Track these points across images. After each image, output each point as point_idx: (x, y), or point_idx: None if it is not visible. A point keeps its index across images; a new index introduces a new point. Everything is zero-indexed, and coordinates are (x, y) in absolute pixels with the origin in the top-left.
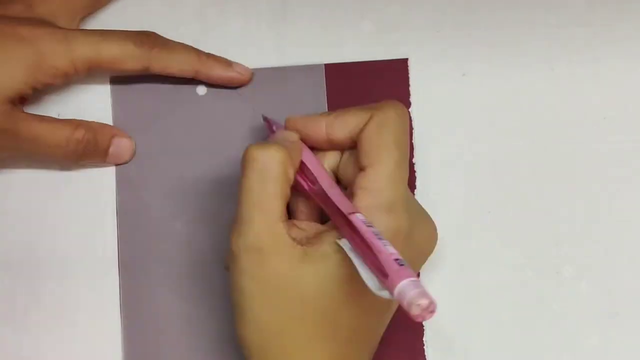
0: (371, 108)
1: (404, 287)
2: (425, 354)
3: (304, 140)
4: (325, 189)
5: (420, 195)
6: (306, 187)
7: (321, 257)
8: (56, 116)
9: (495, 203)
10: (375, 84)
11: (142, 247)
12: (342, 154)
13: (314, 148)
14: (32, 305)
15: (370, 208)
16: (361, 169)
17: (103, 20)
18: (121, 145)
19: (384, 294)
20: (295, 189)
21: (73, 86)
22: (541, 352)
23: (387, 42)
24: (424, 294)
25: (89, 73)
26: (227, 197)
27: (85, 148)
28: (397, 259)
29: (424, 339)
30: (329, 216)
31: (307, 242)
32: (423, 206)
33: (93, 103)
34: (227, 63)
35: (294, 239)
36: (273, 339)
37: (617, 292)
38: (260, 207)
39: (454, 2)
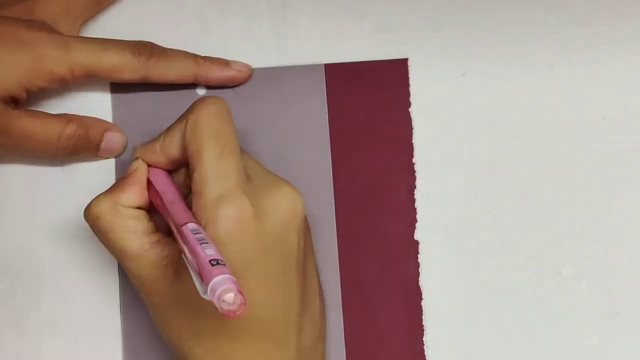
0: (186, 113)
1: (214, 284)
2: (425, 354)
3: (153, 166)
4: (166, 205)
5: (420, 195)
6: (156, 206)
7: (186, 270)
8: None
9: (495, 203)
10: (375, 84)
11: None
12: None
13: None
14: (32, 306)
15: (203, 209)
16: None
17: (103, 20)
18: (113, 140)
19: (207, 297)
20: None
21: (73, 88)
22: (541, 352)
23: (387, 42)
24: (231, 289)
25: (86, 81)
26: None
27: (76, 143)
28: (212, 260)
29: (424, 339)
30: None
31: (177, 255)
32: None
33: (93, 104)
34: (225, 63)
35: (165, 257)
36: (188, 343)
37: (617, 292)
38: (125, 251)
39: (454, 2)
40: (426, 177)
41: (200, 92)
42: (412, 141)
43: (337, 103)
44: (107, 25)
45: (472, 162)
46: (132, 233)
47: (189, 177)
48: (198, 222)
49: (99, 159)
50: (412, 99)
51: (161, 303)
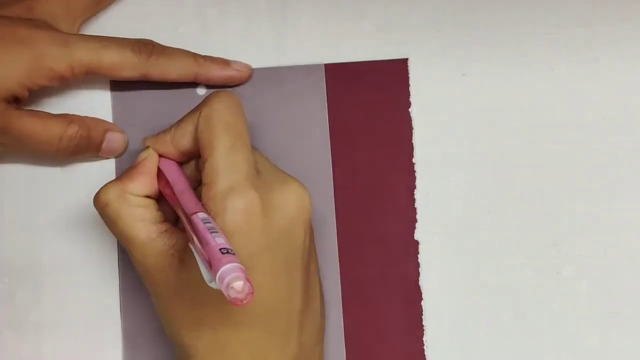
0: (199, 106)
1: (223, 272)
2: (425, 354)
3: (164, 156)
4: (176, 194)
5: (420, 195)
6: (166, 196)
7: (192, 260)
8: None
9: (495, 203)
10: (375, 84)
11: None
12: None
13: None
14: (32, 306)
15: (212, 200)
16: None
17: (103, 20)
18: (114, 140)
19: (214, 285)
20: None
21: (73, 86)
22: (541, 352)
23: (387, 42)
24: (240, 277)
25: (86, 78)
26: None
27: (78, 144)
28: (222, 249)
29: (424, 339)
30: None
31: (184, 245)
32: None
33: (93, 103)
34: (225, 62)
35: (172, 246)
36: (190, 336)
37: (617, 292)
38: (132, 239)
39: (454, 2)
40: (426, 177)
41: (201, 91)
42: (412, 141)
43: (337, 103)
44: (107, 25)
45: (472, 162)
46: (140, 221)
47: (197, 170)
48: (207, 213)
49: (100, 159)
50: (412, 99)
51: (165, 292)
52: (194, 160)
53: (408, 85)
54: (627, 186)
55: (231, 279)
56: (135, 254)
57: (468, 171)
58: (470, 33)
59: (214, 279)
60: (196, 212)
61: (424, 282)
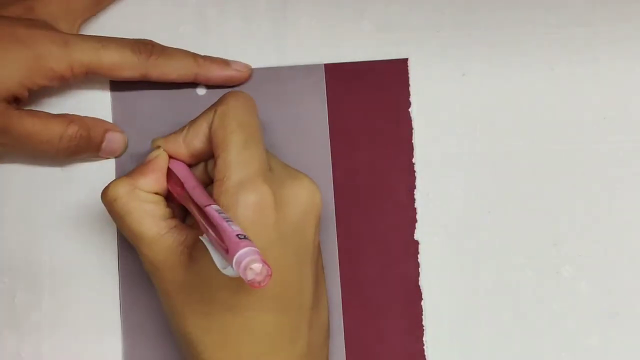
0: (214, 105)
1: (240, 255)
2: (425, 354)
3: (173, 157)
4: (188, 190)
5: (420, 195)
6: (175, 194)
7: (202, 254)
8: None
9: (495, 203)
10: (375, 84)
11: None
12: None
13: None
14: (32, 306)
15: (224, 194)
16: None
17: (103, 20)
18: (114, 140)
19: (228, 270)
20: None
21: (73, 86)
22: (541, 352)
23: (387, 42)
24: (258, 259)
25: (86, 78)
26: None
27: (78, 144)
28: (239, 234)
29: (424, 339)
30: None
31: (193, 241)
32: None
33: (93, 103)
34: (225, 62)
35: (182, 242)
36: (199, 330)
37: (617, 292)
38: (141, 235)
39: (454, 2)
40: (426, 177)
41: (201, 91)
42: (412, 141)
43: (337, 103)
44: (107, 25)
45: (472, 162)
46: (150, 217)
47: (205, 173)
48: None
49: (100, 159)
50: (412, 99)
51: (173, 288)
52: (202, 163)
53: (408, 85)
54: (627, 186)
55: (249, 260)
56: (143, 250)
57: (468, 171)
58: (470, 33)
59: (229, 264)
60: (210, 204)
61: (424, 282)
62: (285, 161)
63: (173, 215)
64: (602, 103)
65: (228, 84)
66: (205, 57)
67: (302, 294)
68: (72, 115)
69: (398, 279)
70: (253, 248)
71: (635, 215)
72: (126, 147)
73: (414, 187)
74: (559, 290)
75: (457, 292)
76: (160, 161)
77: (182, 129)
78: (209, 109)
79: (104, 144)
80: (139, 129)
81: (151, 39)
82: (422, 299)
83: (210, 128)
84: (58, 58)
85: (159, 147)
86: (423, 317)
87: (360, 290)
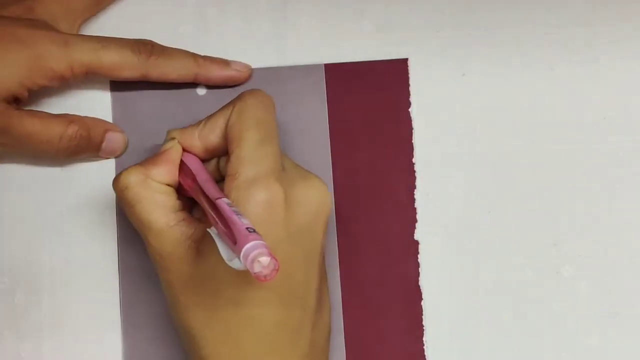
0: (232, 101)
1: (248, 248)
2: (425, 354)
3: (187, 151)
4: (200, 183)
5: (420, 195)
6: (186, 186)
7: (210, 247)
8: None
9: (495, 203)
10: (375, 84)
11: (143, 247)
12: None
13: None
14: (32, 306)
15: (235, 190)
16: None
17: (103, 20)
18: (114, 140)
19: (235, 262)
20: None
21: (73, 86)
22: (541, 352)
23: (387, 42)
24: (266, 252)
25: (86, 78)
26: None
27: (78, 144)
28: (248, 228)
29: (424, 339)
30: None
31: (201, 235)
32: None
33: (93, 103)
34: (225, 62)
35: (190, 236)
36: (204, 323)
37: (617, 292)
38: (150, 224)
39: (454, 2)
40: (426, 177)
41: (201, 91)
42: (412, 141)
43: (337, 103)
44: (107, 25)
45: (472, 162)
46: (160, 207)
47: (217, 169)
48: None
49: (100, 159)
50: (412, 99)
51: (178, 281)
52: (214, 159)
53: (408, 85)
54: (627, 186)
55: (257, 253)
56: (151, 240)
57: (468, 171)
58: (470, 33)
59: (237, 256)
60: (220, 197)
61: (424, 282)
62: None
63: (183, 208)
64: (602, 103)
65: (228, 84)
66: (205, 57)
67: (307, 294)
68: (72, 115)
69: (398, 279)
70: (261, 242)
71: (635, 215)
72: (126, 147)
73: (414, 187)
74: (559, 290)
75: (457, 292)
76: (174, 153)
77: (198, 123)
78: (227, 105)
79: (104, 144)
80: (139, 129)
81: (151, 39)
82: (422, 299)
83: (226, 124)
84: (58, 58)
85: (173, 138)
86: (423, 317)
87: (360, 290)
